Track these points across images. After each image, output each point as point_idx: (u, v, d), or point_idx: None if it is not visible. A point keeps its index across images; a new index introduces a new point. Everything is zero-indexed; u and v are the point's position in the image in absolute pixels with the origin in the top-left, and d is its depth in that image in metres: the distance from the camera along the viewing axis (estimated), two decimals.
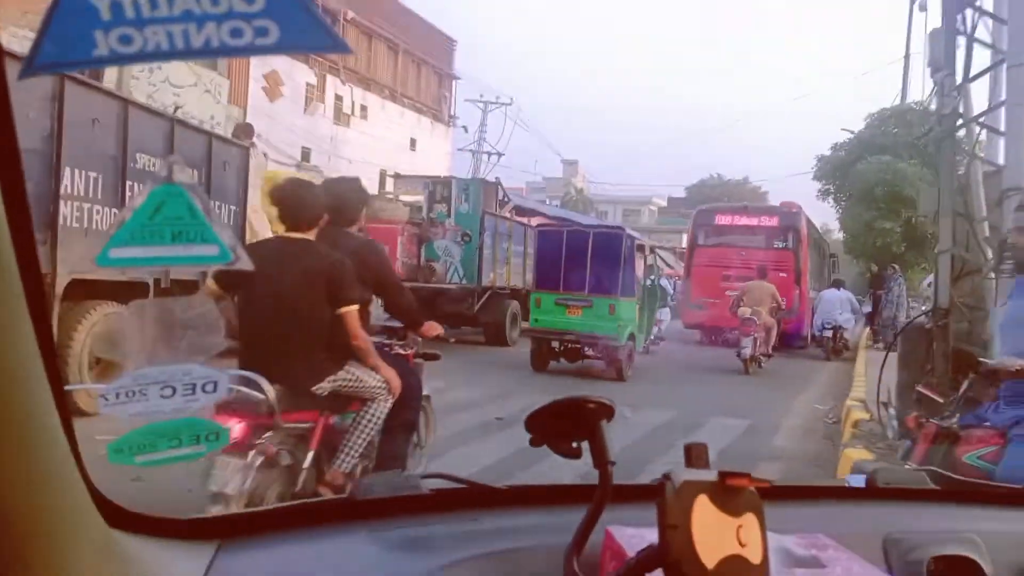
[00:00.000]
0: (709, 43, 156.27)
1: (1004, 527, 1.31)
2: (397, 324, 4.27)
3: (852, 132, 21.22)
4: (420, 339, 4.26)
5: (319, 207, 3.53)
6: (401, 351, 4.09)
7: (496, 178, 15.06)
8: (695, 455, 0.86)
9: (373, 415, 3.59)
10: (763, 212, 17.00)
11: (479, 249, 13.37)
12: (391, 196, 15.16)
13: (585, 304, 10.26)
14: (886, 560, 1.14)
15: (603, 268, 10.16)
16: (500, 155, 33.42)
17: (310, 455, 3.39)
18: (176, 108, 16.12)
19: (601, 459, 0.95)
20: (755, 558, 0.79)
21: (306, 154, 26.33)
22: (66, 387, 0.67)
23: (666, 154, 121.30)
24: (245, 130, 13.53)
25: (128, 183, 6.82)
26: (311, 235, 3.49)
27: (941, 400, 4.47)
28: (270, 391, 3.11)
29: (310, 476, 3.41)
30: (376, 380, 3.58)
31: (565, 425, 0.99)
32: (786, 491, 1.34)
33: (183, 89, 22.02)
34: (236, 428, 3.05)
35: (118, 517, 0.83)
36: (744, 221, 16.95)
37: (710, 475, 0.81)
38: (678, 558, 0.76)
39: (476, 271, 13.35)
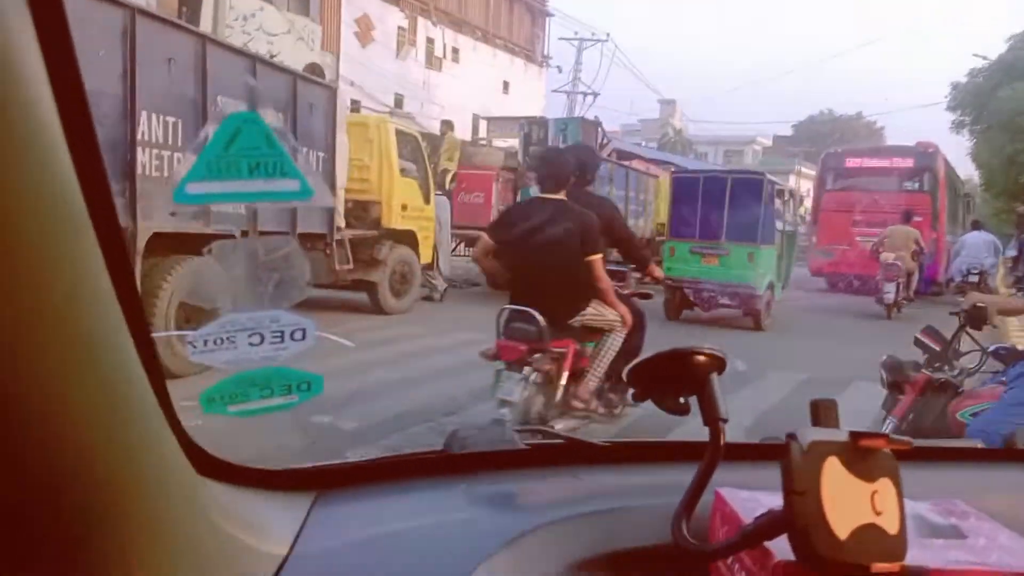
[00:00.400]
0: None
1: None
2: (617, 268, 4.90)
3: (984, 57, 19.02)
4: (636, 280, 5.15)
5: (569, 172, 4.28)
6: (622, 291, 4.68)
7: (595, 117, 14.02)
8: (823, 412, 0.77)
9: (612, 343, 4.30)
10: (897, 153, 16.05)
11: None
12: (484, 142, 14.44)
13: (722, 253, 9.95)
14: None
15: (742, 215, 9.75)
16: (596, 95, 31.88)
17: (565, 375, 4.12)
18: (271, 56, 15.96)
19: (712, 415, 0.86)
20: (892, 528, 0.71)
21: (399, 100, 25.88)
22: (153, 334, 0.68)
23: (770, 91, 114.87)
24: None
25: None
26: (562, 195, 4.19)
27: (938, 348, 3.97)
28: (542, 322, 3.98)
29: (564, 392, 4.17)
30: (614, 315, 4.28)
31: (672, 379, 0.91)
32: (922, 452, 1.24)
33: (276, 37, 21.83)
34: (519, 349, 4.00)
35: (213, 467, 0.80)
36: (877, 163, 16.12)
37: (840, 435, 0.72)
38: (806, 526, 0.69)
39: None
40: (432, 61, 28.58)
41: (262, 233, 1.22)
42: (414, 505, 1.02)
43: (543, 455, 1.17)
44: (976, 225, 14.69)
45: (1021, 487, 1.20)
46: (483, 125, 15.24)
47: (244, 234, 1.19)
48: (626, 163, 14.96)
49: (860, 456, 0.72)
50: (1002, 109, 16.77)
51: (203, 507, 0.74)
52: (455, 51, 29.78)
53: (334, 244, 8.59)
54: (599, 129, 14.07)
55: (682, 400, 0.93)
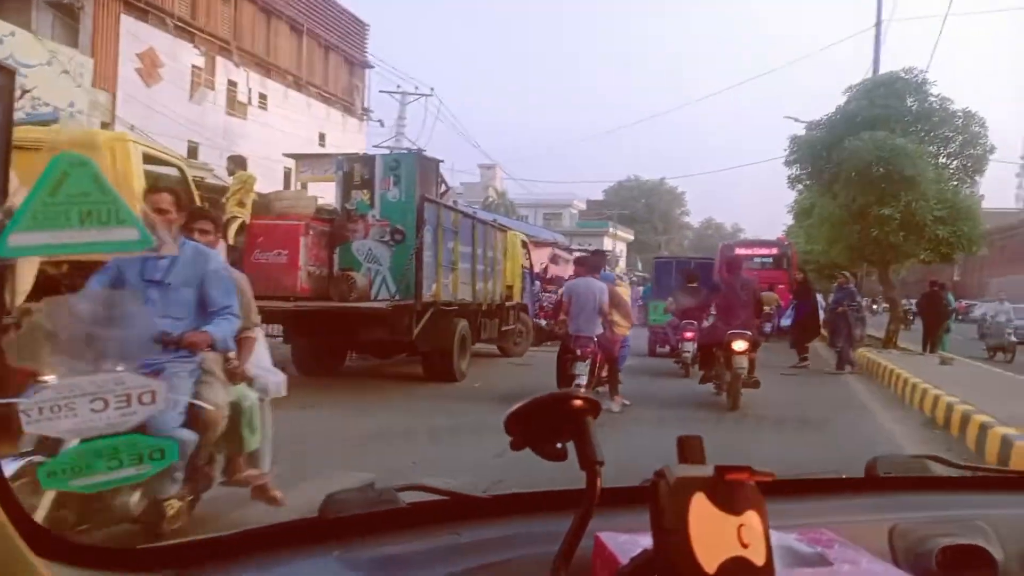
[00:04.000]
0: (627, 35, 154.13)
1: (1011, 512, 1.26)
2: None
3: (797, 119, 19.84)
4: None
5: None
6: None
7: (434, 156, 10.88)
8: (689, 449, 0.79)
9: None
10: (766, 244, 22.77)
11: (417, 251, 9.12)
12: (293, 194, 10.85)
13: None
14: (892, 552, 1.09)
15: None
16: (421, 152, 28.95)
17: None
18: (23, 92, 11.77)
19: (589, 460, 0.85)
20: (759, 559, 0.73)
21: (193, 149, 21.55)
22: None
23: (583, 154, 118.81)
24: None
25: None
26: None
27: None
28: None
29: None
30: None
31: (548, 425, 0.90)
32: (785, 485, 1.26)
33: (33, 68, 17.17)
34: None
35: (53, 547, 0.74)
36: (755, 251, 23.27)
37: (706, 470, 0.74)
38: (675, 563, 0.70)
39: (413, 282, 9.15)
40: (235, 106, 24.46)
41: None
42: None
43: (423, 513, 1.12)
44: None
45: (880, 512, 1.19)
46: (292, 168, 11.56)
47: None
48: (472, 214, 11.93)
49: (727, 490, 0.72)
50: (853, 159, 15.60)
51: None
52: (262, 97, 25.82)
53: None
54: (438, 170, 10.92)
55: (559, 446, 0.91)
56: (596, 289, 8.27)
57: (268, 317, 6.97)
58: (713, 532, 0.70)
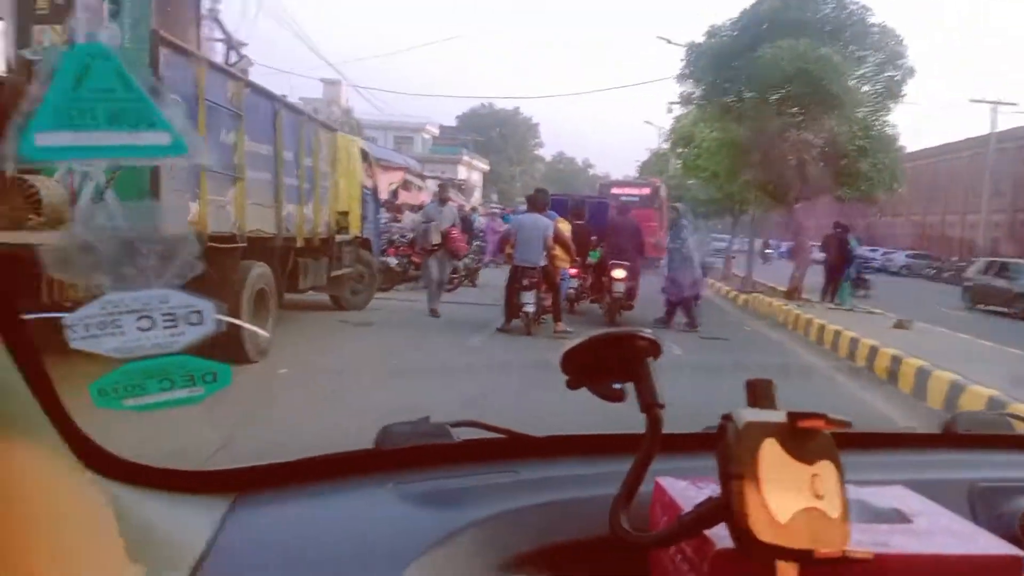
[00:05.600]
0: None
1: None
2: None
3: (669, 41, 17.87)
4: None
5: None
6: None
7: None
8: (759, 392, 0.73)
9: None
10: (639, 184, 22.99)
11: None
12: None
13: None
14: (971, 512, 1.00)
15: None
16: (241, 50, 23.24)
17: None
18: None
19: (649, 401, 0.81)
20: (833, 512, 0.68)
21: None
22: (24, 315, 0.58)
23: (435, 75, 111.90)
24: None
25: None
26: None
27: None
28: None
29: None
30: None
31: (607, 364, 0.85)
32: (860, 438, 1.21)
33: None
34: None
35: (110, 466, 0.74)
36: (630, 190, 22.67)
37: (778, 416, 0.69)
38: (744, 512, 0.65)
39: (148, 194, 4.88)
40: None
41: None
42: (340, 506, 0.95)
43: (477, 449, 1.11)
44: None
45: (958, 470, 1.13)
46: None
47: None
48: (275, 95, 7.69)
49: (799, 438, 0.69)
50: (767, 70, 12.70)
51: (95, 509, 0.67)
52: None
53: None
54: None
55: (618, 386, 0.88)
56: (543, 225, 8.90)
57: None
58: (785, 481, 0.66)
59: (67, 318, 0.83)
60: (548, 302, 9.11)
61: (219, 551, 0.77)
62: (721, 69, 14.14)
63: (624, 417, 0.92)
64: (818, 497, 0.67)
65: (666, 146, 27.59)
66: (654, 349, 0.83)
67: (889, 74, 14.11)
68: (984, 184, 35.51)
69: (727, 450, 0.67)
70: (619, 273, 10.00)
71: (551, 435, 1.12)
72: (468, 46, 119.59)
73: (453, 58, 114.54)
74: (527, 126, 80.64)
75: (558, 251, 9.15)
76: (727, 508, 0.66)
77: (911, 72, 14.00)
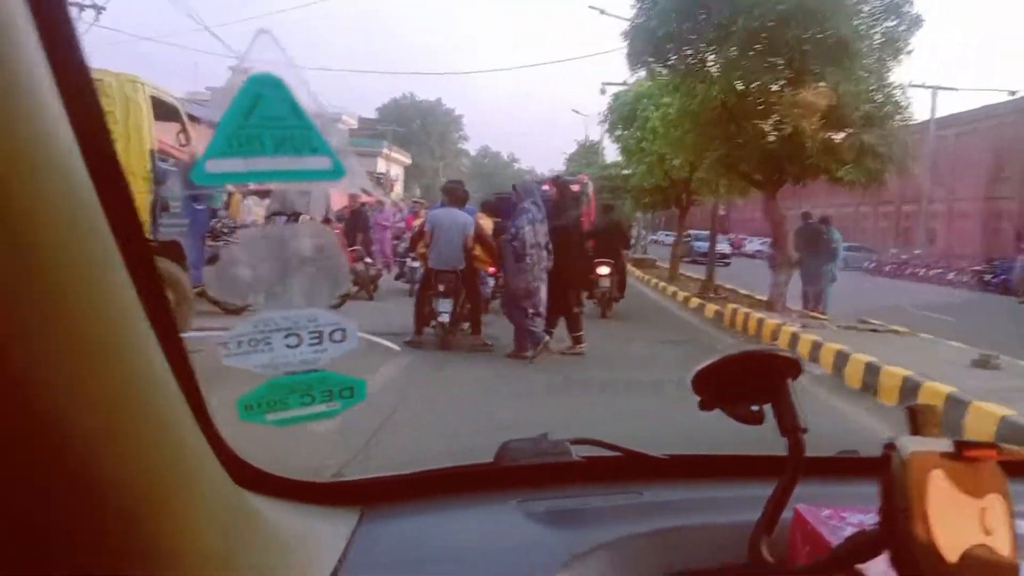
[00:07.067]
0: None
1: None
2: None
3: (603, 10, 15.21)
4: None
5: None
6: None
7: None
8: (923, 419, 0.67)
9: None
10: (568, 182, 21.16)
11: None
12: None
13: None
14: None
15: None
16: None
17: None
18: None
19: (791, 425, 0.77)
20: (1004, 548, 0.62)
21: None
22: (182, 334, 0.58)
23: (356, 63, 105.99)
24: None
25: None
26: None
27: None
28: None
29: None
30: None
31: (742, 385, 0.81)
32: (1019, 466, 1.01)
33: None
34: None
35: (253, 479, 0.76)
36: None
37: (944, 445, 0.63)
38: (911, 548, 0.60)
39: None
40: None
41: None
42: (465, 522, 0.96)
43: (598, 468, 1.08)
44: None
45: None
46: None
47: None
48: None
49: (966, 469, 0.63)
50: (755, 13, 9.32)
51: (243, 520, 0.69)
52: None
53: None
54: None
55: (755, 408, 0.82)
56: (462, 222, 7.61)
57: None
58: (953, 515, 0.61)
59: (222, 336, 0.84)
60: (467, 308, 7.80)
61: (350, 565, 0.78)
62: (688, 12, 10.68)
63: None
64: (987, 533, 0.62)
65: (595, 138, 24.79)
66: (794, 369, 0.79)
67: (890, 24, 10.95)
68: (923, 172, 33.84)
69: (892, 481, 0.61)
70: (604, 270, 10.37)
71: (673, 454, 1.08)
72: (390, 29, 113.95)
73: (372, 45, 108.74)
74: (450, 118, 77.35)
75: (478, 251, 7.74)
76: (890, 543, 0.62)
77: (918, 22, 10.88)
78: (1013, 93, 30.73)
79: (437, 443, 4.06)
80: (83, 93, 0.45)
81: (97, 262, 0.45)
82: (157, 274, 0.53)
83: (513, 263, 7.18)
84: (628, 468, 1.07)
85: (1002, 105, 31.97)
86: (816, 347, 7.80)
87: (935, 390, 5.62)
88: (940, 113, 32.99)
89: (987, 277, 25.95)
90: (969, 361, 6.81)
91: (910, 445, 0.62)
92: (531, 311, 7.23)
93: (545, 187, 17.66)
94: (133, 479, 0.50)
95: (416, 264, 10.01)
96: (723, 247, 27.36)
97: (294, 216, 6.73)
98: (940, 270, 28.83)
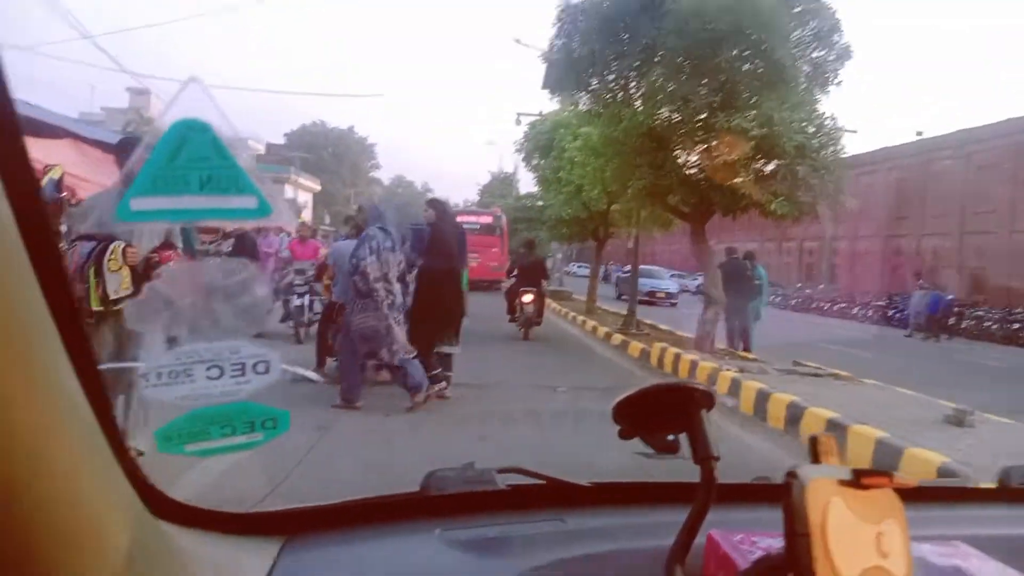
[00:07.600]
0: None
1: None
2: None
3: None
4: None
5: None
6: None
7: None
8: (824, 448, 0.71)
9: None
10: (484, 213, 23.73)
11: None
12: None
13: None
14: None
15: None
16: None
17: None
18: None
19: (704, 453, 0.79)
20: (899, 571, 0.66)
21: None
22: (101, 366, 0.57)
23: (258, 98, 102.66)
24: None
25: None
26: None
27: None
28: None
29: None
30: None
31: (659, 415, 0.83)
32: (918, 492, 0.97)
33: None
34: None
35: (171, 510, 0.75)
36: (474, 219, 23.54)
37: (843, 473, 0.67)
38: (811, 571, 0.63)
39: None
40: None
41: None
42: (389, 552, 0.95)
43: (523, 496, 1.08)
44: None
45: (1017, 525, 1.11)
46: None
47: None
48: None
49: (864, 496, 0.67)
50: (677, 34, 8.56)
51: (160, 551, 0.68)
52: None
53: None
54: None
55: (670, 438, 0.86)
56: None
57: None
58: (851, 540, 0.64)
59: (142, 367, 0.83)
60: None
61: None
62: (612, 31, 9.88)
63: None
64: (883, 556, 0.65)
65: (509, 169, 24.57)
66: (708, 401, 0.82)
67: (819, 53, 10.50)
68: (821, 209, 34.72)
69: (793, 508, 0.64)
70: (528, 298, 11.96)
71: (597, 482, 1.09)
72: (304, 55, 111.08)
73: (278, 68, 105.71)
74: (362, 146, 75.93)
75: None
76: (792, 566, 0.64)
77: (847, 53, 10.47)
78: (920, 133, 31.96)
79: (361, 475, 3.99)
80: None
81: (12, 294, 0.45)
82: (75, 305, 0.52)
83: (355, 299, 5.97)
84: (552, 496, 1.08)
85: (901, 148, 33.29)
86: (763, 397, 6.92)
87: (925, 458, 4.77)
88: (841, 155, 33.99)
89: (890, 312, 26.59)
90: (941, 416, 6.05)
91: (811, 473, 0.65)
92: (373, 361, 6.13)
93: (460, 218, 16.81)
94: (45, 509, 0.49)
95: (302, 301, 9.17)
96: (667, 285, 26.31)
97: (102, 242, 4.07)
98: (844, 305, 29.41)
